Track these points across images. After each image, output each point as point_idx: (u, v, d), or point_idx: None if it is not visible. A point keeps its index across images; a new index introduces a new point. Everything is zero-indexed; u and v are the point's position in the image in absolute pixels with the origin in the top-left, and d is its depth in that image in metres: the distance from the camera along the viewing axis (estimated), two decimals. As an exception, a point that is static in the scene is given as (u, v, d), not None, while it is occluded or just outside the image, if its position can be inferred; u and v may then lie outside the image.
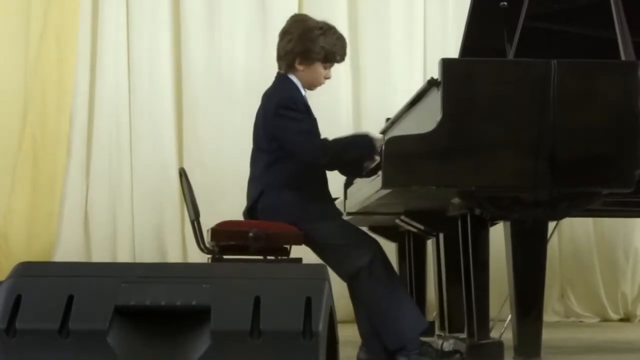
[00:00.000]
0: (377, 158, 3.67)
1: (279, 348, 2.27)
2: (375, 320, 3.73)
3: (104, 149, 6.46)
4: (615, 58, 3.54)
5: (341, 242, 3.74)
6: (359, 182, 4.42)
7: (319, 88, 3.99)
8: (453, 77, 3.38)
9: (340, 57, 3.92)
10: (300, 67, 3.87)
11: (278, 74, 3.96)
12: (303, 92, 3.91)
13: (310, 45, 3.84)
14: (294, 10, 6.54)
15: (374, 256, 3.71)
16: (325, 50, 3.85)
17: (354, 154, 3.77)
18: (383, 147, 3.38)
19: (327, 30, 3.88)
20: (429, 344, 3.73)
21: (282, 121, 3.78)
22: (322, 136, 3.86)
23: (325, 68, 3.90)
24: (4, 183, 6.33)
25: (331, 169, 3.88)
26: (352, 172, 4.20)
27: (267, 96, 3.93)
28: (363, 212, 4.46)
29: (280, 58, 3.93)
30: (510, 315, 3.49)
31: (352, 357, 3.89)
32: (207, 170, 6.39)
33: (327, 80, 3.97)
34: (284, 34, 3.92)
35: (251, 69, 6.48)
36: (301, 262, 3.65)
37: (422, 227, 4.21)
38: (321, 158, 3.75)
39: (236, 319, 2.30)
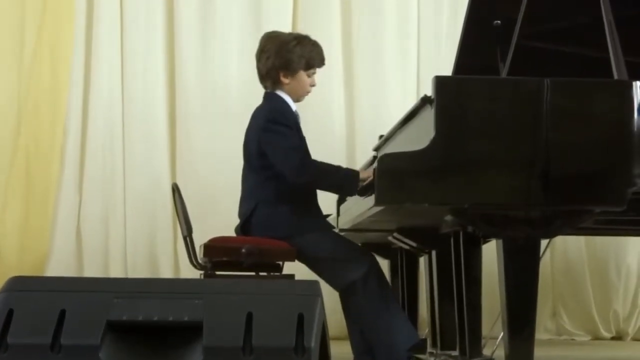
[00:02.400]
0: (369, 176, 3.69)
1: (271, 364, 2.27)
2: (368, 333, 3.73)
3: (97, 162, 6.43)
4: (607, 77, 3.54)
5: (337, 254, 3.75)
6: (351, 199, 4.42)
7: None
8: (446, 94, 3.39)
9: (320, 61, 3.99)
10: (285, 80, 3.91)
11: (266, 93, 3.98)
12: (294, 108, 3.93)
13: (289, 56, 3.89)
14: (288, 22, 6.55)
15: (369, 269, 3.71)
16: (304, 58, 3.91)
17: (334, 182, 3.80)
18: (376, 165, 3.38)
19: (302, 39, 3.97)
20: (421, 361, 3.73)
21: (270, 136, 3.81)
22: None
23: (308, 76, 3.95)
24: (-3, 196, 6.33)
25: (311, 187, 3.88)
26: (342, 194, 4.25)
27: (257, 112, 3.96)
28: (356, 229, 4.46)
29: (263, 77, 3.97)
30: (502, 333, 3.48)
31: (344, 373, 3.90)
32: (200, 184, 6.36)
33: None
34: (261, 53, 3.97)
35: (245, 80, 6.44)
36: (294, 279, 3.65)
37: (414, 244, 4.21)
38: (303, 177, 3.75)
39: (228, 335, 2.30)
